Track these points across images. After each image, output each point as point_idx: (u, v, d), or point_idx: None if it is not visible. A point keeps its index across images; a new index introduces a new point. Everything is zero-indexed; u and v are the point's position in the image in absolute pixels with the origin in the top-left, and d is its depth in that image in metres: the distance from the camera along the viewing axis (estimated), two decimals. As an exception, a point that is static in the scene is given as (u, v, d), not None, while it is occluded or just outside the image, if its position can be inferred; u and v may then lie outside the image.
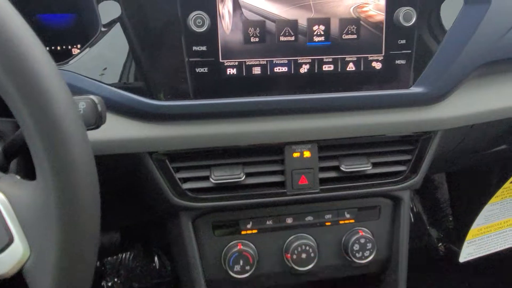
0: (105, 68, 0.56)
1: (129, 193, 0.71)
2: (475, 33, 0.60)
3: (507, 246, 0.87)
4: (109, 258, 1.27)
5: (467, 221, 0.99)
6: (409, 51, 0.60)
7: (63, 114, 0.31)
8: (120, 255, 1.28)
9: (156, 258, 1.29)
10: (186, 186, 0.62)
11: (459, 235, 1.38)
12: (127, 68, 0.56)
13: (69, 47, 0.68)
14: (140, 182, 0.63)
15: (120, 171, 0.63)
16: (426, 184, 1.54)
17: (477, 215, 0.83)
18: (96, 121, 0.44)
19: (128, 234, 1.20)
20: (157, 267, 1.28)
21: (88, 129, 0.43)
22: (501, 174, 1.16)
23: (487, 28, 0.61)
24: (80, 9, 0.60)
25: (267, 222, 0.68)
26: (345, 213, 0.70)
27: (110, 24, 0.55)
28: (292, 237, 0.69)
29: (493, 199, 0.82)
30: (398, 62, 0.61)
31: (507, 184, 0.80)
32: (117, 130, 0.57)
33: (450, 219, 1.54)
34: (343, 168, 0.64)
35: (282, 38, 0.57)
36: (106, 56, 0.56)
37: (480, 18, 0.60)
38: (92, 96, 0.43)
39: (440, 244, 1.50)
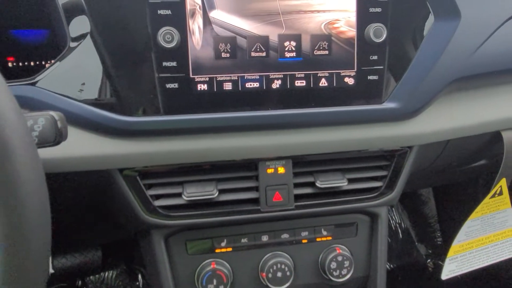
0: (76, 84, 0.55)
1: (100, 211, 0.70)
2: (446, 49, 0.61)
3: (490, 263, 0.85)
4: (91, 277, 1.24)
5: (454, 236, 0.98)
6: (381, 67, 0.61)
7: (8, 131, 0.30)
8: (102, 274, 1.25)
9: (140, 277, 1.26)
10: (158, 203, 0.61)
11: (447, 251, 1.37)
12: (96, 83, 0.55)
13: (43, 62, 0.67)
14: (110, 200, 0.62)
15: (90, 188, 0.62)
16: (414, 200, 1.54)
17: (457, 231, 0.82)
18: (56, 138, 0.43)
19: (110, 252, 1.18)
20: (141, 286, 1.25)
21: (46, 146, 0.43)
22: (485, 188, 1.16)
23: (458, 44, 0.61)
24: (52, 25, 0.60)
25: (242, 240, 0.67)
26: (322, 230, 0.69)
27: (79, 40, 0.54)
28: (267, 255, 0.67)
29: (473, 215, 0.81)
30: (370, 77, 0.61)
31: (486, 200, 0.80)
32: (87, 146, 0.56)
33: (438, 234, 1.53)
34: (318, 184, 0.63)
35: (253, 54, 0.57)
36: (75, 71, 0.55)
37: (451, 34, 0.61)
38: (52, 112, 0.42)
39: (429, 260, 1.49)
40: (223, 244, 0.66)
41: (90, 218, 0.72)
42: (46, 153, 0.48)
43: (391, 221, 1.50)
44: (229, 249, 0.66)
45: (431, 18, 0.61)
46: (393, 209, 1.50)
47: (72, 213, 0.68)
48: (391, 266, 1.45)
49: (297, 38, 0.58)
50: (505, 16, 0.63)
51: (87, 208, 0.67)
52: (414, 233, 1.55)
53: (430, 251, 1.51)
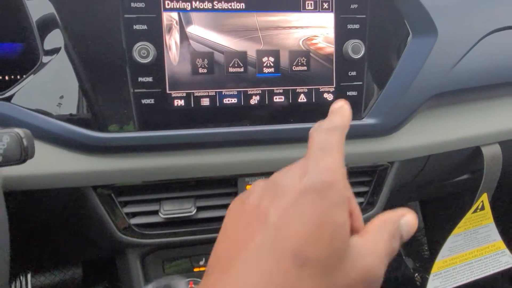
0: (47, 99, 0.54)
1: (73, 229, 0.67)
2: (424, 65, 0.61)
3: (474, 278, 0.85)
4: (71, 296, 1.20)
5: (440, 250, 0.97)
6: (360, 83, 0.61)
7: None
8: (83, 292, 1.21)
9: (123, 295, 1.22)
10: (134, 221, 0.59)
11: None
12: (70, 99, 0.54)
13: (18, 77, 0.66)
14: (84, 218, 0.60)
15: (62, 206, 0.60)
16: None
17: (441, 247, 0.81)
18: (22, 156, 0.41)
19: (91, 269, 1.14)
20: (123, 305, 1.21)
21: (12, 164, 0.41)
22: (471, 202, 1.16)
23: (436, 60, 0.61)
24: (24, 38, 0.59)
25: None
26: (303, 247, 0.68)
27: (52, 54, 0.53)
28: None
29: (456, 230, 0.81)
30: (349, 93, 0.61)
31: (468, 215, 0.80)
32: (59, 163, 0.54)
33: (426, 248, 1.52)
34: (298, 200, 0.62)
35: (231, 69, 0.57)
36: (49, 86, 0.54)
37: (428, 50, 0.61)
38: (17, 130, 0.41)
39: (416, 274, 1.48)
40: (201, 263, 0.65)
41: (64, 236, 0.70)
42: (17, 170, 0.47)
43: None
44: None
45: (408, 35, 0.62)
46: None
47: (44, 230, 0.66)
48: (379, 280, 1.44)
49: (276, 54, 0.58)
50: (481, 33, 0.64)
51: (60, 226, 0.65)
52: (402, 247, 1.54)
53: (418, 265, 1.50)
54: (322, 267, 0.26)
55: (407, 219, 0.32)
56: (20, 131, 0.41)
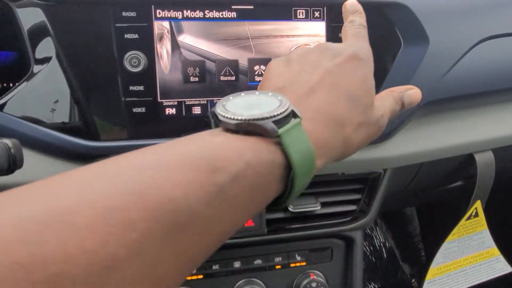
0: (38, 108, 0.54)
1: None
2: (415, 73, 0.61)
3: (469, 285, 0.85)
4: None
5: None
6: (352, 91, 0.61)
7: None
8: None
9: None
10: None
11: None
12: (61, 107, 0.54)
13: (10, 85, 0.66)
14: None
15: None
16: (398, 219, 1.54)
17: (435, 254, 0.81)
18: (10, 166, 0.41)
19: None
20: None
21: (-1, 175, 0.41)
22: (466, 208, 1.16)
23: (427, 68, 0.62)
24: (15, 47, 0.59)
25: (213, 267, 0.65)
26: (296, 255, 0.68)
27: (43, 63, 0.53)
28: (240, 282, 0.65)
29: (450, 237, 0.81)
30: (341, 101, 0.61)
31: (462, 222, 0.80)
32: (49, 172, 0.54)
33: (423, 253, 1.52)
34: (290, 208, 0.62)
35: (222, 78, 0.57)
36: (39, 95, 0.54)
37: (420, 59, 0.61)
38: (5, 140, 0.41)
39: (414, 280, 1.48)
40: (193, 271, 0.64)
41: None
42: (4, 179, 0.47)
43: (376, 241, 1.49)
44: (200, 277, 0.64)
45: (400, 43, 0.62)
46: (377, 228, 1.49)
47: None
48: (376, 286, 1.43)
49: (267, 62, 0.58)
50: (472, 42, 0.64)
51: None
52: (399, 253, 1.54)
53: (415, 270, 1.50)
54: (363, 107, 0.38)
55: (410, 92, 0.46)
56: (8, 141, 0.41)
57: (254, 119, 0.31)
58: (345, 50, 0.39)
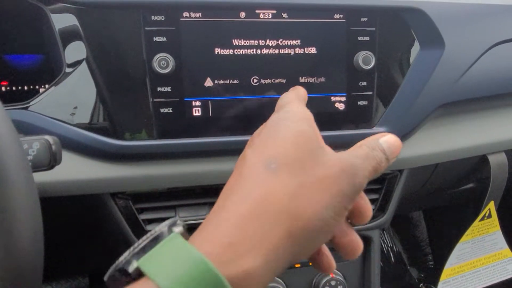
0: (70, 108, 0.55)
1: (89, 236, 0.69)
2: (432, 76, 0.63)
3: (482, 286, 0.86)
4: (77, 306, 1.20)
5: (446, 259, 0.98)
6: (370, 93, 0.63)
7: (5, 156, 0.30)
8: (89, 303, 1.21)
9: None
10: (150, 227, 0.60)
11: (439, 275, 1.37)
12: (91, 108, 0.56)
13: (37, 87, 0.68)
14: (101, 225, 0.61)
15: (80, 213, 0.61)
16: (405, 223, 1.54)
17: (449, 255, 0.82)
18: (50, 162, 0.43)
19: (98, 279, 1.15)
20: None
21: (40, 170, 0.43)
22: (475, 211, 1.17)
23: (443, 71, 0.63)
24: (47, 50, 0.61)
25: (235, 265, 0.66)
26: (315, 254, 0.69)
27: (75, 65, 0.55)
28: (260, 280, 0.66)
29: (464, 238, 0.82)
30: (360, 103, 0.63)
31: (476, 223, 0.81)
32: (80, 170, 0.56)
33: (430, 258, 1.53)
34: (310, 207, 0.64)
35: (248, 78, 0.59)
36: (70, 96, 0.55)
37: (436, 62, 0.63)
38: (46, 136, 0.43)
39: (421, 284, 1.48)
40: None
41: (79, 244, 0.71)
42: (37, 177, 0.48)
43: (383, 245, 1.50)
44: (222, 275, 0.65)
45: (416, 47, 0.64)
46: (385, 232, 1.50)
47: (60, 238, 0.67)
48: (384, 290, 1.44)
49: (292, 62, 0.60)
50: (487, 45, 0.66)
51: (76, 234, 0.66)
52: (406, 257, 1.54)
53: (422, 275, 1.50)
54: (292, 166, 0.31)
55: (385, 138, 0.37)
56: (49, 138, 0.42)
57: (109, 274, 0.29)
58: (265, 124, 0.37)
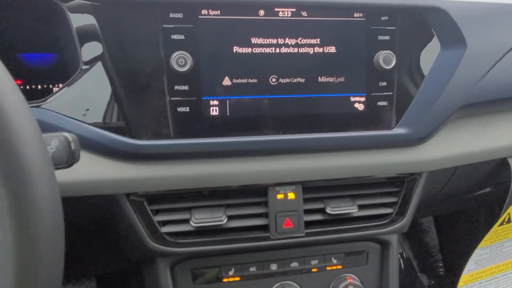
0: (85, 107, 0.54)
1: (103, 238, 0.67)
2: (453, 76, 0.62)
3: (500, 293, 0.83)
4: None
5: (457, 266, 0.96)
6: (391, 93, 0.61)
7: (28, 151, 0.29)
8: (95, 307, 1.19)
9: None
10: (165, 229, 0.59)
11: (450, 282, 1.34)
12: (107, 107, 0.55)
13: (50, 86, 0.67)
14: (115, 226, 0.60)
15: (94, 214, 0.60)
16: (415, 229, 1.52)
17: (466, 260, 0.80)
18: (69, 160, 0.41)
19: (105, 282, 1.13)
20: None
21: (59, 168, 0.41)
22: (488, 216, 1.15)
23: (465, 72, 0.62)
24: (62, 48, 0.60)
25: (250, 269, 0.64)
26: (332, 258, 0.67)
27: (91, 63, 0.54)
28: (276, 284, 0.65)
29: (482, 243, 0.80)
30: (380, 103, 0.61)
31: (495, 228, 0.79)
32: (95, 170, 0.55)
33: (441, 264, 1.50)
34: (328, 210, 0.62)
35: (266, 78, 0.57)
36: (86, 94, 0.54)
37: (457, 62, 0.62)
38: (65, 134, 0.41)
39: (431, 291, 1.46)
40: (230, 273, 0.64)
41: (93, 245, 0.69)
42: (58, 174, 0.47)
43: (393, 251, 1.47)
44: (237, 279, 0.64)
45: (437, 47, 0.63)
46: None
47: (74, 239, 0.66)
48: (394, 297, 1.41)
49: (310, 62, 0.58)
50: (508, 46, 0.65)
51: (90, 235, 0.64)
52: (416, 263, 1.52)
53: (433, 282, 1.48)
54: None
55: None
56: (68, 135, 0.41)
57: None
58: None
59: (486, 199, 0.94)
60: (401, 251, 1.51)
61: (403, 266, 1.49)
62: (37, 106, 0.54)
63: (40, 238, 0.29)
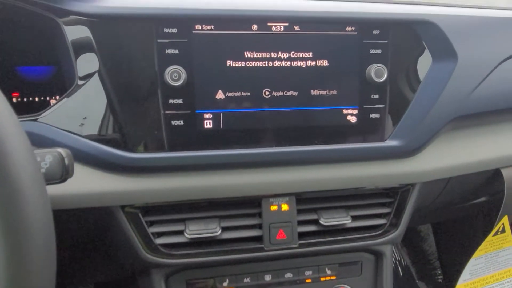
0: (81, 120, 0.55)
1: (98, 249, 0.68)
2: (444, 89, 0.62)
3: (495, 303, 0.84)
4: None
5: (456, 274, 0.96)
6: (383, 106, 0.62)
7: (18, 168, 0.30)
8: (93, 315, 1.19)
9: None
10: (159, 241, 0.60)
11: (449, 289, 1.34)
12: (102, 120, 0.56)
13: (47, 98, 0.68)
14: (111, 237, 0.60)
15: (89, 226, 0.61)
16: (413, 236, 1.52)
17: (461, 270, 0.80)
18: (63, 175, 0.42)
19: (102, 290, 1.13)
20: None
21: (53, 183, 0.42)
22: (485, 225, 1.15)
23: (456, 84, 0.63)
24: (59, 62, 0.61)
25: (245, 280, 0.65)
26: (326, 269, 0.67)
27: (86, 77, 0.55)
28: (270, 295, 0.65)
29: (477, 253, 0.80)
30: (372, 116, 0.62)
31: (489, 238, 0.79)
32: (91, 183, 0.55)
33: (439, 272, 1.50)
34: (322, 221, 0.63)
35: (259, 92, 0.58)
36: (82, 108, 0.55)
37: (449, 74, 0.63)
38: (59, 149, 0.42)
39: (429, 298, 1.45)
40: (225, 284, 0.64)
41: (88, 257, 0.70)
42: (48, 190, 0.48)
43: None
44: (231, 289, 0.64)
45: (429, 59, 0.63)
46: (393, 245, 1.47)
47: (69, 250, 0.66)
48: (391, 305, 1.41)
49: (303, 75, 0.59)
50: (499, 58, 0.66)
51: (85, 246, 0.65)
52: (415, 271, 1.51)
53: (431, 290, 1.48)
54: None
55: None
56: (61, 150, 0.42)
57: None
58: None
59: (482, 207, 0.95)
60: (399, 258, 1.50)
61: (401, 274, 1.49)
62: (34, 120, 0.55)
63: (31, 256, 0.30)
